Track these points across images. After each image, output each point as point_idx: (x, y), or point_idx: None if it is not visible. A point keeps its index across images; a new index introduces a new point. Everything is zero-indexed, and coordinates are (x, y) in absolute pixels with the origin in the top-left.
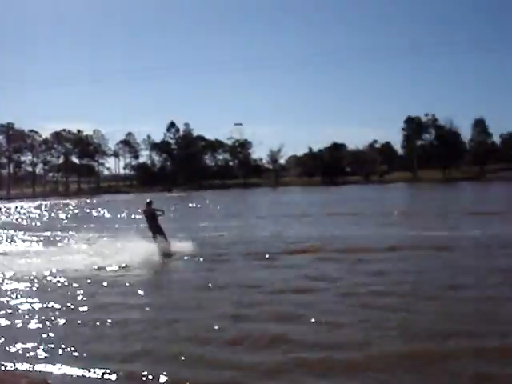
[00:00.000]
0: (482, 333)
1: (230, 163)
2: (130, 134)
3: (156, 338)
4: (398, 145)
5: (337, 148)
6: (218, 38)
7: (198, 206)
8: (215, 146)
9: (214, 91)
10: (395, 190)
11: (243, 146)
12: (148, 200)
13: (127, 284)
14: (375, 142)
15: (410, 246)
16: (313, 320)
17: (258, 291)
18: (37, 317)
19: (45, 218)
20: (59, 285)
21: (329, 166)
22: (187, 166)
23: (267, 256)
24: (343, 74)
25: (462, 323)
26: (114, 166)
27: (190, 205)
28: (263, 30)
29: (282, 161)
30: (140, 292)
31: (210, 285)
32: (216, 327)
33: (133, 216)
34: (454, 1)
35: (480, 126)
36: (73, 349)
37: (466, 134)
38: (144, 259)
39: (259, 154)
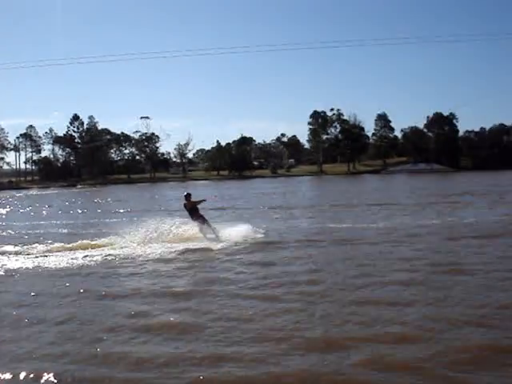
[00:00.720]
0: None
1: (137, 157)
2: (31, 127)
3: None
4: (305, 139)
5: (245, 142)
6: (124, 28)
7: (104, 201)
8: (121, 139)
9: (119, 83)
10: (301, 183)
11: (150, 139)
12: (185, 193)
13: None
14: (283, 135)
15: (319, 239)
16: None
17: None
18: None
19: None
20: None
21: (237, 160)
22: (92, 160)
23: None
24: (252, 67)
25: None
26: (14, 160)
27: (96, 200)
28: (174, 21)
29: (190, 155)
30: None
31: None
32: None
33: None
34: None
35: (382, 120)
36: None
37: (370, 128)
38: None
39: (167, 148)
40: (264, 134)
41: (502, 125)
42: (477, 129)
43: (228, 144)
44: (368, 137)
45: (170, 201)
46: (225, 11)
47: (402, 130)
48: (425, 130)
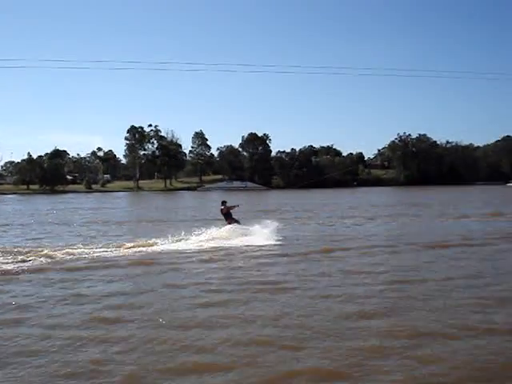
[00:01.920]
0: None
1: None
2: None
3: None
4: (122, 154)
5: (58, 155)
6: None
7: None
8: None
9: None
10: (115, 199)
11: None
12: (222, 200)
13: None
14: (99, 149)
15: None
16: None
17: None
18: None
19: None
20: None
21: (49, 174)
22: None
23: None
24: (66, 78)
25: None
26: None
27: None
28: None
29: None
30: None
31: None
32: None
33: None
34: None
35: (199, 138)
36: None
37: (187, 145)
38: None
39: None
40: (79, 147)
41: (310, 146)
42: (288, 149)
43: (40, 157)
44: (185, 154)
45: None
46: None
47: (218, 149)
48: (240, 149)
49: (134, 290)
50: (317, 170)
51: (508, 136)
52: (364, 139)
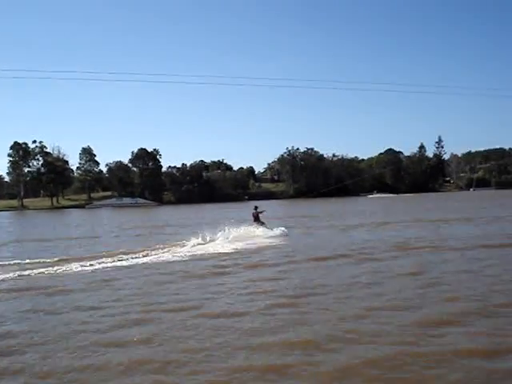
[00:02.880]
0: None
1: None
2: None
3: None
4: (5, 172)
5: None
6: None
7: None
8: None
9: None
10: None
11: None
12: (255, 206)
13: None
14: None
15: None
16: None
17: None
18: None
19: None
20: None
21: None
22: None
23: None
24: None
25: None
26: None
27: None
28: None
29: None
30: None
31: None
32: None
33: None
34: None
35: (87, 154)
36: None
37: (75, 162)
38: None
39: None
40: None
41: (201, 161)
42: (179, 165)
43: None
44: (73, 170)
45: None
46: None
47: (107, 165)
48: (130, 165)
49: (17, 327)
50: (208, 184)
51: (390, 149)
52: (254, 153)
